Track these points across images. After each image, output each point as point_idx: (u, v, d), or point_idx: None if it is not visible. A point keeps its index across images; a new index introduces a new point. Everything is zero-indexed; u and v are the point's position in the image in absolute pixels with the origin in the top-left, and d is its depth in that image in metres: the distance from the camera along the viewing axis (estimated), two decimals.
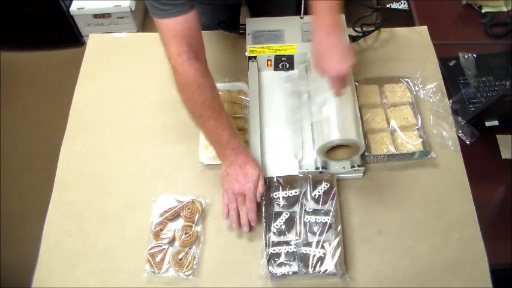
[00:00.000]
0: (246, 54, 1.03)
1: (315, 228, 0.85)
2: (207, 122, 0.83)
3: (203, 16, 1.18)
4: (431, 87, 1.04)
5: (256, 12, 1.31)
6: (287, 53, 1.03)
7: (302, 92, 1.02)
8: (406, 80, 1.05)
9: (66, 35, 2.21)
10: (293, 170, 0.92)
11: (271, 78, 1.07)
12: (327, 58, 0.76)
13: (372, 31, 1.15)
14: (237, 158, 0.86)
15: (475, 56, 1.16)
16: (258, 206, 0.87)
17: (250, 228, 0.87)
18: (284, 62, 1.05)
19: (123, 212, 0.93)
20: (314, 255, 0.82)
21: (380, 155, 0.95)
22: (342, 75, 0.76)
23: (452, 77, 1.14)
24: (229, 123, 0.85)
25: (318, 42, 0.77)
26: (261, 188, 0.86)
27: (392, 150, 0.94)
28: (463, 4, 1.35)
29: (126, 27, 2.20)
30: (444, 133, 0.99)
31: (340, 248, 0.82)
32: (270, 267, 0.82)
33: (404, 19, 1.45)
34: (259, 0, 1.27)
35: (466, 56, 1.16)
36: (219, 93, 1.01)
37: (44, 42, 2.23)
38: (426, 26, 1.18)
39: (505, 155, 1.04)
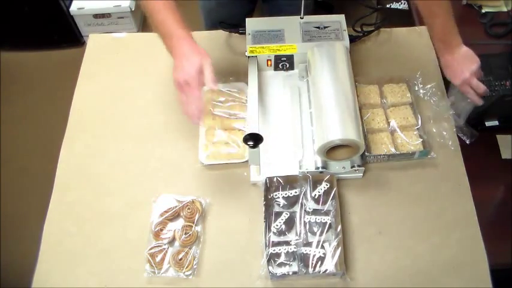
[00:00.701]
0: (246, 54, 1.03)
1: (315, 228, 0.85)
2: (157, 15, 0.83)
3: (221, 7, 1.18)
4: (432, 86, 1.04)
5: (273, 11, 1.30)
6: (287, 53, 1.03)
7: (302, 91, 1.03)
8: (406, 80, 1.05)
9: (66, 35, 2.21)
10: (293, 170, 0.92)
11: (271, 78, 1.07)
12: (453, 72, 0.96)
13: (372, 31, 1.15)
14: (181, 47, 0.81)
15: None
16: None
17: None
18: (284, 62, 1.05)
19: (123, 212, 0.93)
20: (314, 255, 0.82)
21: (380, 155, 0.95)
22: (467, 81, 0.93)
23: None
24: (178, 17, 0.83)
25: (445, 62, 0.98)
26: (208, 75, 0.80)
27: (393, 150, 0.94)
28: (463, 4, 1.35)
29: (126, 27, 2.20)
30: (444, 133, 0.99)
31: (340, 248, 0.82)
32: (270, 267, 0.82)
33: (404, 19, 1.45)
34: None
35: None
36: (220, 93, 1.02)
37: (44, 42, 2.23)
38: (426, 26, 1.18)
39: (505, 155, 1.04)
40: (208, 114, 1.01)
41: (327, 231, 0.85)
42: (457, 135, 0.99)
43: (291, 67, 1.06)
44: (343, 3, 1.94)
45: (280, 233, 0.86)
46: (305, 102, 1.01)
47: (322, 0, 2.09)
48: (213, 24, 1.21)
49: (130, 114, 1.07)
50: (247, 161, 0.94)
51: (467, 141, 0.98)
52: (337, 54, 0.97)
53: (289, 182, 0.91)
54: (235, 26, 1.14)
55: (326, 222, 0.86)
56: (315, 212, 0.88)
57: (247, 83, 1.02)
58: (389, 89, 1.04)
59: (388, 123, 0.99)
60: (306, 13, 1.06)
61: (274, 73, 1.07)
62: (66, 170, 0.99)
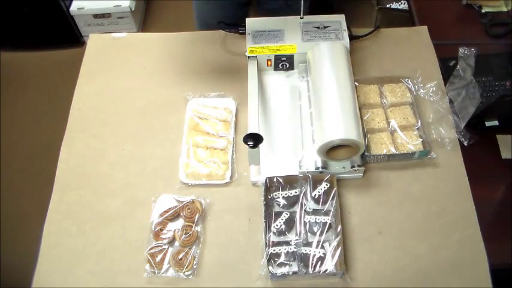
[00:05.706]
0: (246, 54, 1.03)
1: (315, 228, 0.85)
2: None
3: (215, 9, 1.17)
4: (432, 85, 1.04)
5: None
6: (287, 52, 1.03)
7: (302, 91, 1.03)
8: (406, 80, 1.05)
9: (66, 35, 2.21)
10: (293, 170, 0.92)
11: (271, 78, 1.07)
12: None
13: (372, 31, 1.15)
14: None
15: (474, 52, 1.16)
16: None
17: None
18: (284, 62, 1.05)
19: (123, 212, 0.93)
20: (314, 255, 0.82)
21: (380, 155, 0.95)
22: None
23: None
24: None
25: None
26: None
27: (393, 150, 0.94)
28: (463, 4, 1.35)
29: (126, 27, 2.20)
30: (444, 133, 0.99)
31: (340, 248, 0.82)
32: (270, 267, 0.82)
33: (404, 19, 1.45)
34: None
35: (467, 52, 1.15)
36: (205, 109, 1.01)
37: (44, 42, 2.23)
38: (426, 26, 1.18)
39: (505, 155, 1.04)
40: (191, 130, 1.00)
41: (327, 231, 0.85)
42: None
43: (291, 67, 1.06)
44: (343, 3, 1.94)
45: (280, 233, 0.86)
46: (305, 102, 1.01)
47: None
48: (205, 24, 1.21)
49: (130, 114, 1.07)
50: (227, 183, 0.94)
51: (465, 143, 0.98)
52: (337, 54, 0.97)
53: (289, 182, 0.91)
54: (234, 26, 1.14)
55: (326, 222, 0.86)
56: (315, 212, 0.88)
57: (246, 84, 1.02)
58: (389, 89, 1.04)
59: (388, 123, 0.99)
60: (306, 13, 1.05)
61: (274, 73, 1.07)
62: (66, 170, 0.99)
